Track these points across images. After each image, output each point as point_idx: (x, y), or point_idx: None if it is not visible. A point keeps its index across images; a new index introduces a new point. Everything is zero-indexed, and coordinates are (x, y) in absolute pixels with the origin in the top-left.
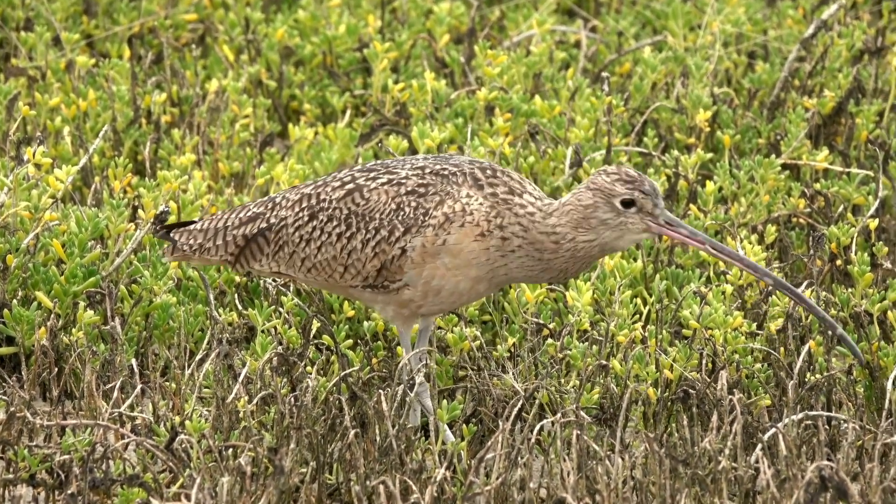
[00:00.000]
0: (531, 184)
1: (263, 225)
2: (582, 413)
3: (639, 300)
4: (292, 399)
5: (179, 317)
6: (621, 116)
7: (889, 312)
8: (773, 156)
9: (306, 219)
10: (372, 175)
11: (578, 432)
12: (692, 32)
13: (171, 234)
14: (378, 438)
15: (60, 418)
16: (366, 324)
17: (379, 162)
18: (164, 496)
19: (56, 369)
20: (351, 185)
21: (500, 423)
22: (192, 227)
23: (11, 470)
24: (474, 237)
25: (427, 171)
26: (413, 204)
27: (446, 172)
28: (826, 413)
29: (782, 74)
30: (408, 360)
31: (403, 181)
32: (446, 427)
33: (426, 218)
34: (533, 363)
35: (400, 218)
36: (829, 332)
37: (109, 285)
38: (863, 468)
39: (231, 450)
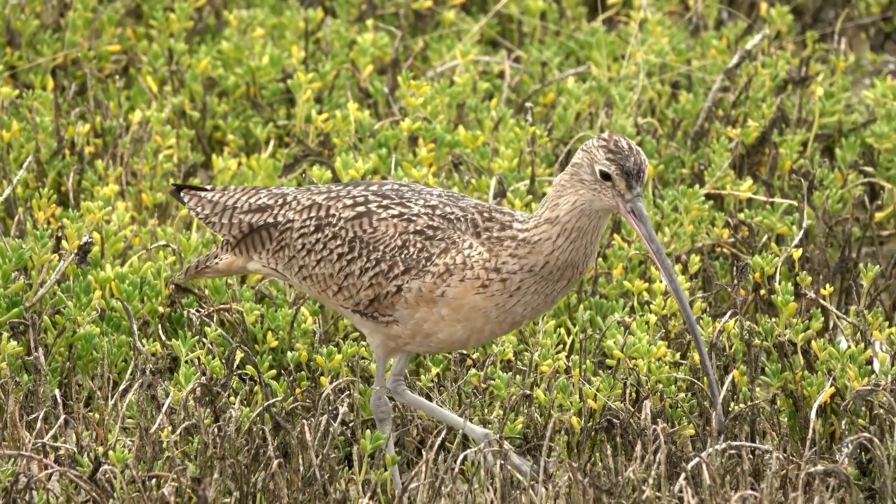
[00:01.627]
0: (521, 213)
1: (270, 220)
2: (506, 443)
3: (562, 330)
4: (216, 429)
5: (103, 347)
6: (545, 146)
7: (813, 342)
8: (697, 186)
9: (312, 229)
10: (385, 203)
11: (502, 462)
12: (616, 63)
13: (181, 194)
14: (302, 468)
15: None
16: (289, 354)
17: (395, 187)
18: None
19: None
20: (362, 209)
21: (424, 453)
22: (203, 194)
23: None
24: (475, 290)
25: (437, 212)
26: (419, 245)
27: (453, 217)
28: (750, 444)
29: (706, 104)
30: (379, 388)
31: (414, 219)
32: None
33: (428, 263)
34: (457, 393)
35: (403, 256)
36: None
37: (33, 316)
38: (786, 497)
39: (154, 480)
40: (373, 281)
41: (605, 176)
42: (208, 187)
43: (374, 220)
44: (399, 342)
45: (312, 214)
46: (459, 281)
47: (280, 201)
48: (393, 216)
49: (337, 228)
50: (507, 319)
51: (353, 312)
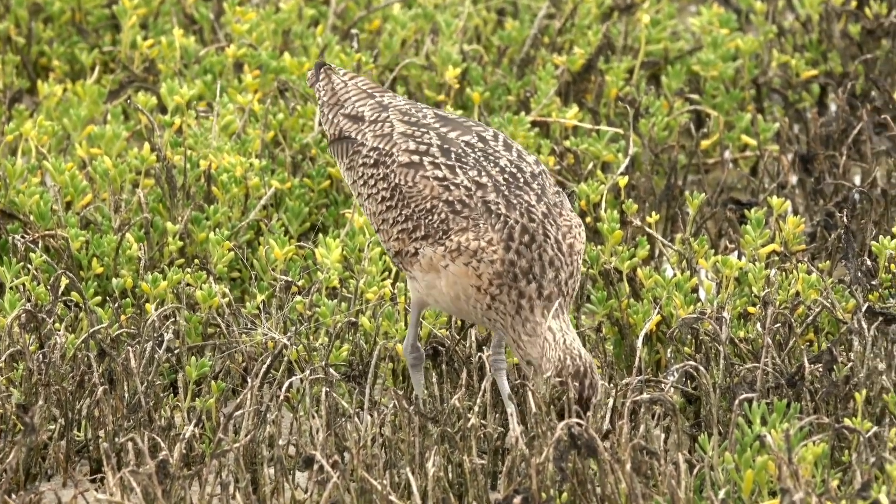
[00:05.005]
0: (557, 266)
1: (352, 134)
2: (331, 370)
3: (388, 257)
4: (41, 356)
5: None
6: (371, 73)
7: (638, 270)
8: (523, 113)
9: (371, 161)
10: (439, 160)
11: (327, 389)
12: None
13: (321, 69)
14: (127, 395)
15: None
16: (114, 280)
17: (473, 142)
18: None
19: None
20: (416, 158)
21: (249, 380)
22: (335, 77)
23: None
24: (472, 282)
25: (478, 193)
26: (442, 215)
27: (493, 208)
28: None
29: (532, 31)
30: (408, 344)
31: (452, 188)
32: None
33: (444, 237)
34: (282, 320)
35: (426, 221)
36: None
37: None
38: (613, 426)
39: None
40: (399, 235)
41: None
42: (342, 70)
43: (418, 175)
44: (419, 295)
45: (378, 146)
46: (464, 264)
47: (375, 117)
48: (435, 177)
49: (388, 171)
50: (483, 320)
51: (390, 257)
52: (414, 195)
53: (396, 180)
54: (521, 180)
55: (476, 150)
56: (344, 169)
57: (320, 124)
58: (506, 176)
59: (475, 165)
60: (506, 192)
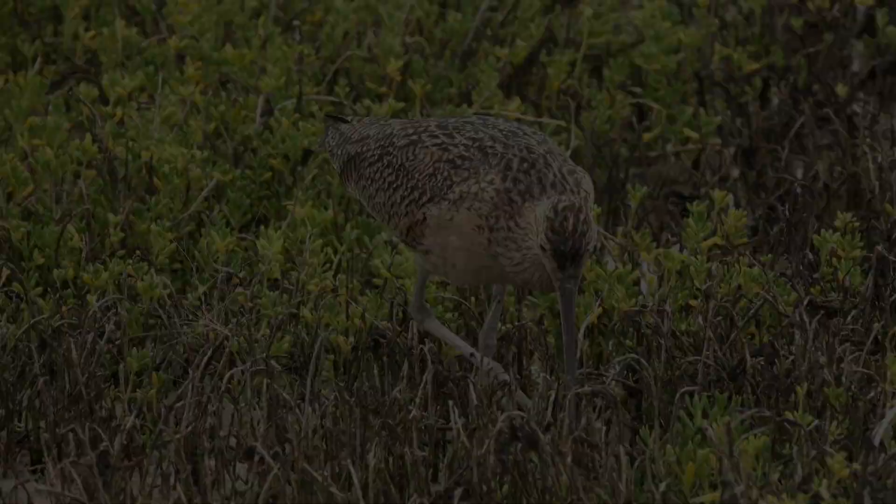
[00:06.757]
0: (560, 190)
1: (360, 149)
2: (272, 362)
3: (329, 249)
4: None
5: None
6: (313, 65)
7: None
8: (465, 105)
9: (376, 157)
10: (437, 132)
11: (269, 381)
12: None
13: (329, 126)
14: (68, 386)
15: None
16: (56, 271)
17: (470, 121)
18: None
19: None
20: (415, 137)
21: (191, 372)
22: (341, 125)
23: None
24: (473, 226)
25: (476, 144)
26: (445, 173)
27: (490, 151)
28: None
29: (474, 24)
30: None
31: (450, 148)
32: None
33: (447, 191)
34: (224, 311)
35: (430, 184)
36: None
37: None
38: (555, 418)
39: None
40: (408, 209)
41: (543, 249)
42: (349, 118)
43: (417, 148)
44: (439, 271)
45: (380, 143)
46: (466, 209)
47: (380, 132)
48: (434, 145)
49: (391, 157)
50: (496, 274)
51: (402, 242)
52: (416, 166)
53: (399, 161)
54: (521, 133)
55: (477, 122)
56: (354, 184)
57: (261, 116)
58: (504, 132)
59: (470, 130)
60: (504, 140)
